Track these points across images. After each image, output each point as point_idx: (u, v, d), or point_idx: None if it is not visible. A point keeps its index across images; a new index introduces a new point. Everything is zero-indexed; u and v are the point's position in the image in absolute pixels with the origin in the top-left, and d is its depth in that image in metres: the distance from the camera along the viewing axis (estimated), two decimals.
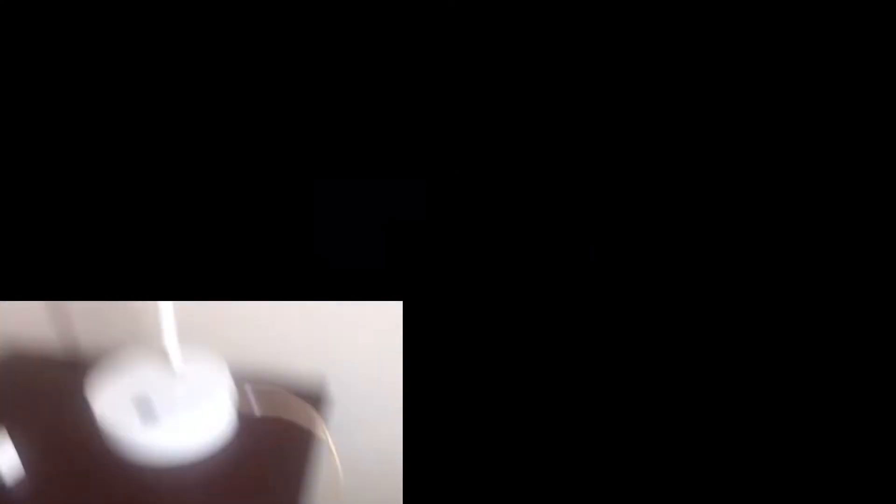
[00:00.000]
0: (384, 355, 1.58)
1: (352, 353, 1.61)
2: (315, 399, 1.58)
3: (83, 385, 1.57)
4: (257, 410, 1.53)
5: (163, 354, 1.54)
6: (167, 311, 1.46)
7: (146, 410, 1.40)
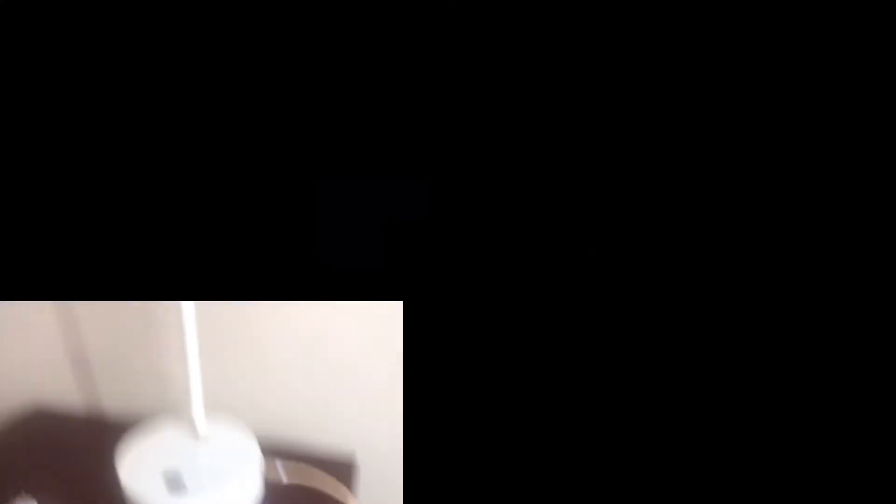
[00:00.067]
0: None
1: (380, 422, 1.58)
2: (343, 468, 1.56)
3: (109, 448, 1.53)
4: (285, 479, 1.51)
5: (189, 422, 1.52)
6: (195, 377, 1.44)
7: (174, 481, 1.38)
